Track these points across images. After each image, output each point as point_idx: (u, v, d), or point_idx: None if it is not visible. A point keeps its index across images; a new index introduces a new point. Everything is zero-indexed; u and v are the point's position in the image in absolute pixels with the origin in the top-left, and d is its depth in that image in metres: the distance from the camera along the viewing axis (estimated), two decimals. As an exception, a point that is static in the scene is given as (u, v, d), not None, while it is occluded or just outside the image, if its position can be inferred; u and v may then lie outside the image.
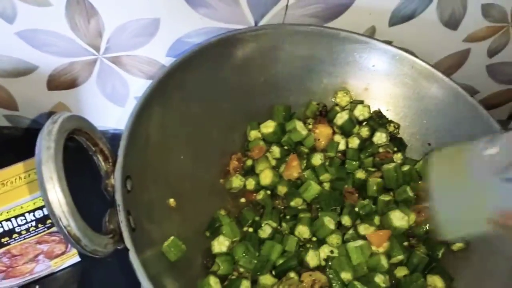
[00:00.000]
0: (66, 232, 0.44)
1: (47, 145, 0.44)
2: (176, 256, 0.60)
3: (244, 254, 0.63)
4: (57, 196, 0.43)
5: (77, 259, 0.70)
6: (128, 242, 0.49)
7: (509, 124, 0.84)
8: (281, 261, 0.64)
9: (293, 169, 0.71)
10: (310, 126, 0.75)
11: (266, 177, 0.70)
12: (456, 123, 0.71)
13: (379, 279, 0.63)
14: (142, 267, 0.48)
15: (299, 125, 0.73)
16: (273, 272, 0.64)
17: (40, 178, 0.43)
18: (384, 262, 0.65)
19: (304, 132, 0.73)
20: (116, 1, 0.66)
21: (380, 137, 0.74)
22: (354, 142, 0.74)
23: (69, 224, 0.44)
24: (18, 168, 0.59)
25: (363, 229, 0.67)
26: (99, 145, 0.53)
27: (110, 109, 0.82)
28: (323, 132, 0.73)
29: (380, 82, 0.75)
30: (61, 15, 0.66)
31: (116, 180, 0.52)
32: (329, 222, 0.66)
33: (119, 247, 0.50)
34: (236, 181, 0.71)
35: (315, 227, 0.66)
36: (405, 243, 0.68)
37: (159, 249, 0.59)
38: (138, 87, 0.78)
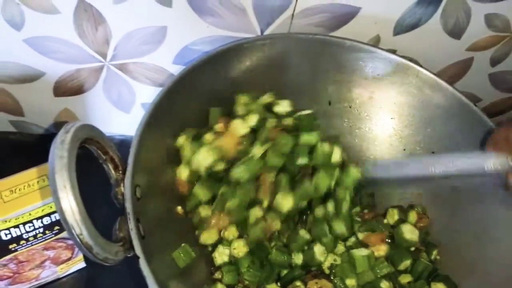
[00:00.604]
0: (79, 240, 0.44)
1: (60, 154, 0.44)
2: (185, 263, 0.60)
3: (249, 268, 0.63)
4: (70, 204, 0.44)
5: (82, 264, 0.71)
6: (138, 250, 0.49)
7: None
8: (285, 272, 0.65)
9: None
10: None
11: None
12: (459, 132, 0.71)
13: (384, 285, 0.63)
14: (152, 274, 0.49)
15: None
16: (279, 284, 0.64)
17: (54, 187, 0.44)
18: (387, 264, 0.65)
19: None
20: (124, 9, 0.66)
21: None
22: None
23: (82, 233, 0.44)
24: (26, 175, 0.59)
25: (362, 236, 0.68)
26: (109, 153, 0.53)
27: (116, 116, 0.82)
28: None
29: (385, 91, 0.75)
30: (69, 23, 0.67)
31: (126, 188, 0.52)
32: (321, 252, 0.65)
33: (129, 255, 0.50)
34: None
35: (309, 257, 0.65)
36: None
37: (168, 256, 0.59)
38: (144, 94, 0.79)
